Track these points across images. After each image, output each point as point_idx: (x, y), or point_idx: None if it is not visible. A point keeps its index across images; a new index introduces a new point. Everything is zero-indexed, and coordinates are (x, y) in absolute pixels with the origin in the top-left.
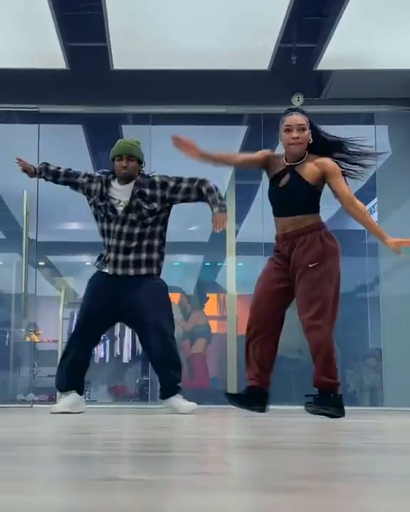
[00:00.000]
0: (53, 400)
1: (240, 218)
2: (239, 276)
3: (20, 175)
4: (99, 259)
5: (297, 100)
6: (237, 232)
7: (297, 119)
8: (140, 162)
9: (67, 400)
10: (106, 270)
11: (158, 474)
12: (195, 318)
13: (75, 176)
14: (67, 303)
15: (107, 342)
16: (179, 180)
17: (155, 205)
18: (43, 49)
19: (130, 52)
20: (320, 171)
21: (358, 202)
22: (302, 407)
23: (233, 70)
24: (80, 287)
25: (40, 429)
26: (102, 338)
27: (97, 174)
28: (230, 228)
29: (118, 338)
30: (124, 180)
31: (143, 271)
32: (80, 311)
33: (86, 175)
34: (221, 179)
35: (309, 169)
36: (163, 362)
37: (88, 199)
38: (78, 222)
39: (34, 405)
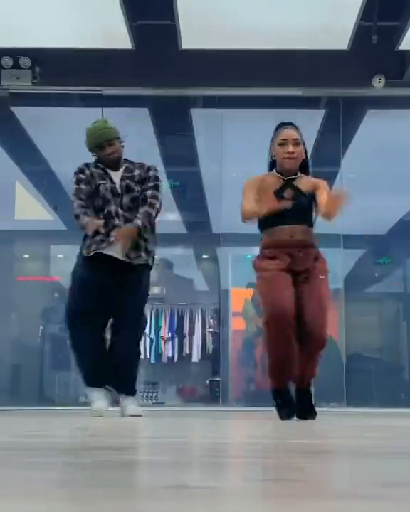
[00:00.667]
0: (116, 401)
1: None
2: None
3: (83, 162)
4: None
5: (378, 82)
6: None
7: (292, 133)
8: (120, 139)
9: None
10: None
11: (228, 481)
12: None
13: (88, 193)
14: None
15: (176, 340)
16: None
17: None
18: (107, 28)
19: (200, 30)
20: (314, 185)
21: None
22: (385, 410)
23: (309, 49)
24: None
25: (104, 433)
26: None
27: (82, 177)
28: None
29: (187, 337)
30: (115, 164)
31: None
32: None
33: (81, 181)
34: None
35: (306, 183)
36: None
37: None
38: None
39: None
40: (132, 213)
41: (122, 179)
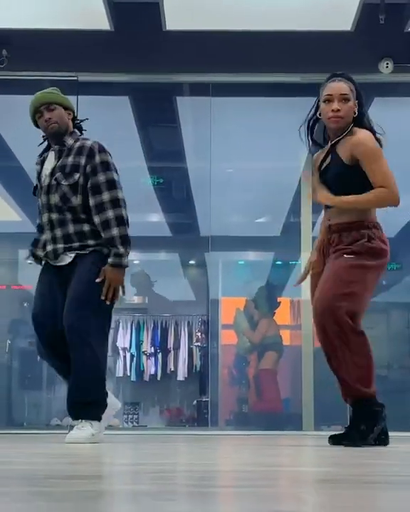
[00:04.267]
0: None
1: (317, 207)
2: None
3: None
4: None
5: (385, 67)
6: (314, 224)
7: (340, 87)
8: (67, 108)
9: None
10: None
11: None
12: (264, 327)
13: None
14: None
15: (160, 356)
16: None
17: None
18: (84, 7)
19: (186, 9)
20: (353, 153)
21: (390, 192)
22: (395, 434)
23: (308, 30)
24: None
25: (79, 460)
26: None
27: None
28: (306, 219)
29: (172, 352)
30: (57, 137)
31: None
32: None
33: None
34: (296, 160)
35: (345, 148)
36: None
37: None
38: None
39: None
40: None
41: (53, 170)
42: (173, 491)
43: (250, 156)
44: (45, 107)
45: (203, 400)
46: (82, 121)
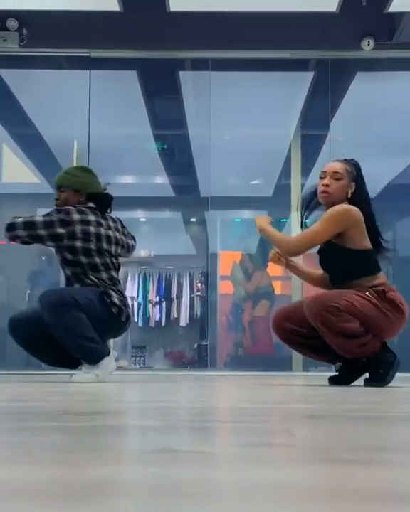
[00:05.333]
0: None
1: (306, 171)
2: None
3: (70, 124)
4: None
5: (367, 44)
6: (302, 185)
7: (334, 166)
8: (76, 191)
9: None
10: None
11: (218, 446)
12: (257, 278)
13: None
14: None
15: (163, 304)
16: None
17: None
18: None
19: None
20: None
21: (294, 242)
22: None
23: (298, 11)
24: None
25: (92, 397)
26: None
27: None
28: (295, 182)
29: (175, 301)
30: None
31: None
32: None
33: None
34: (286, 128)
35: None
36: None
37: None
38: (133, 175)
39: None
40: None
41: None
42: (176, 425)
43: (245, 124)
44: (57, 188)
45: (203, 343)
46: (105, 189)
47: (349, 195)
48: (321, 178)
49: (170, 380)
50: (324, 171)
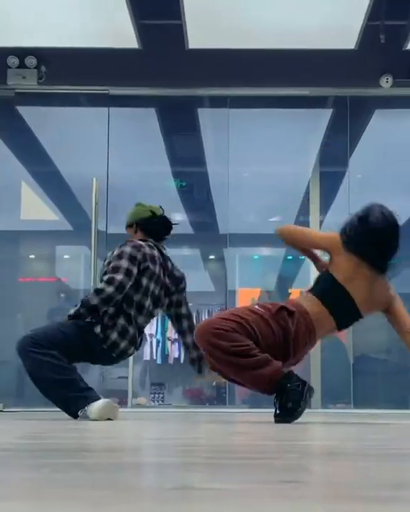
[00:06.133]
0: (124, 402)
1: (324, 208)
2: None
3: (89, 162)
4: None
5: (385, 82)
6: (321, 223)
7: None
8: (130, 225)
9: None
10: None
11: (235, 483)
12: None
13: None
14: None
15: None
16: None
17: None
18: (114, 27)
19: (207, 30)
20: None
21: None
22: (391, 411)
23: (316, 49)
24: None
25: (109, 434)
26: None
27: None
28: (314, 219)
29: None
30: None
31: None
32: None
33: None
34: (305, 166)
35: None
36: None
37: None
38: None
39: None
40: None
41: None
42: (194, 462)
43: (264, 161)
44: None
45: (222, 381)
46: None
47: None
48: None
49: (189, 418)
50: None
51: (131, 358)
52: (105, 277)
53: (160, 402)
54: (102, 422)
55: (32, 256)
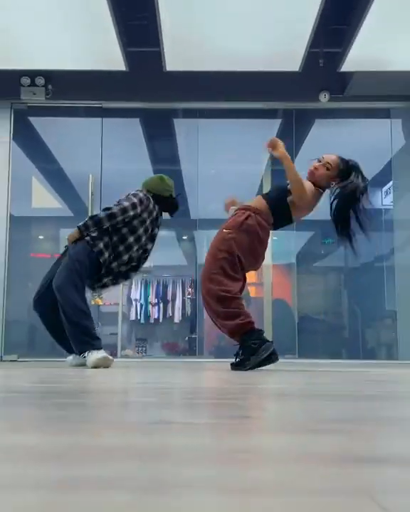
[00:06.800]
0: (114, 354)
1: None
2: (275, 249)
3: (86, 161)
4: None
5: (323, 97)
6: None
7: (330, 157)
8: (148, 191)
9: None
10: None
11: (204, 418)
12: None
13: None
14: None
15: (161, 305)
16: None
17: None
18: (106, 53)
19: (180, 56)
20: None
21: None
22: (329, 361)
23: (268, 71)
24: None
25: (105, 380)
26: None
27: None
28: None
29: (170, 302)
30: None
31: None
32: None
33: None
34: (259, 164)
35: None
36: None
37: None
38: None
39: None
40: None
41: None
42: (171, 402)
43: (227, 161)
44: None
45: (193, 336)
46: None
47: (333, 185)
48: (318, 160)
49: (166, 366)
50: (322, 158)
51: (119, 318)
52: (115, 202)
53: (143, 354)
54: (98, 370)
55: (41, 237)
